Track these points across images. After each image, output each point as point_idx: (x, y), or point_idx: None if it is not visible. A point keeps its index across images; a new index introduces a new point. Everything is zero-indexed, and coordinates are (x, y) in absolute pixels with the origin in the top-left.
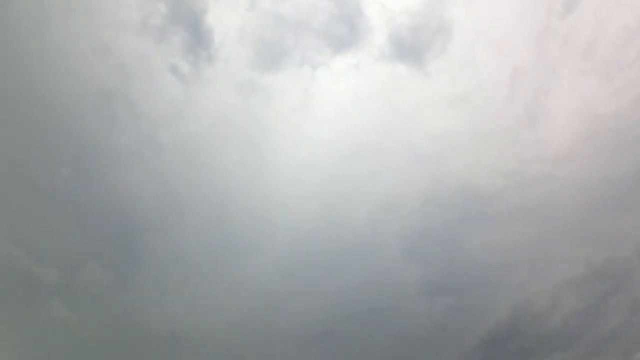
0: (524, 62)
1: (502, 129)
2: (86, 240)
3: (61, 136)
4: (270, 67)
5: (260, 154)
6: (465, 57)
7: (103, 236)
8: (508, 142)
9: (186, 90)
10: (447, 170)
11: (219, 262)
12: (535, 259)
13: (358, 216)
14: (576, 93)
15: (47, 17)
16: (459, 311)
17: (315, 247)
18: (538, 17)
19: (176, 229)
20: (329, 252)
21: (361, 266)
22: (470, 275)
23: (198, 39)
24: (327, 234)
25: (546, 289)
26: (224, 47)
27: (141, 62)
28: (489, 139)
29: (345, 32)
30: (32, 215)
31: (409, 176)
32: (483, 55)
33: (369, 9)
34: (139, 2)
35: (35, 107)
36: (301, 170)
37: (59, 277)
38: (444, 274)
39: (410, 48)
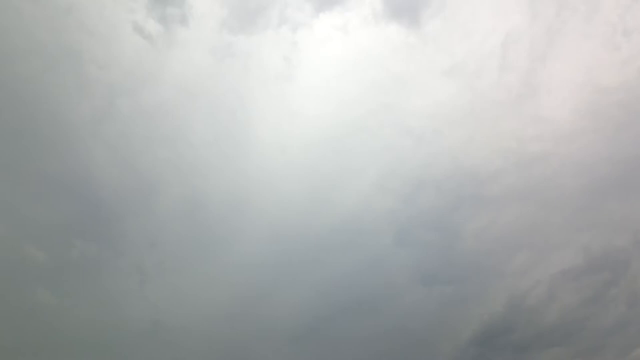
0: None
1: (498, 102)
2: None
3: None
4: (246, 28)
5: (240, 128)
6: (463, 19)
7: (68, 217)
8: (505, 117)
9: (154, 52)
10: (441, 149)
11: (198, 249)
12: (532, 245)
13: (347, 199)
14: (578, 62)
15: None
16: (454, 301)
17: (302, 232)
18: None
19: (148, 212)
20: (318, 237)
21: (352, 253)
22: (466, 263)
23: None
24: (315, 218)
25: (542, 280)
26: (195, 3)
27: (102, 20)
28: (485, 114)
29: None
30: None
31: (401, 155)
32: (477, 19)
33: None
34: None
35: None
36: (284, 148)
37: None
38: (439, 262)
39: (406, 5)
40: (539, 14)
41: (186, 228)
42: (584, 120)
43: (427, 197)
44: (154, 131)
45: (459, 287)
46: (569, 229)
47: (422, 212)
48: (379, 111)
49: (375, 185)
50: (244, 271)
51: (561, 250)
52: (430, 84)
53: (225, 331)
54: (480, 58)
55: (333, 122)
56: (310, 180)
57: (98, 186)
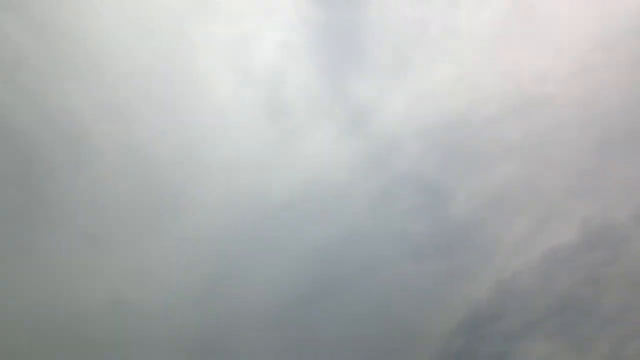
0: None
1: (491, 33)
2: None
3: None
4: None
5: (187, 63)
6: None
7: None
8: (499, 46)
9: None
10: (425, 89)
11: (149, 218)
12: (530, 213)
13: (310, 151)
14: None
15: None
16: (443, 279)
17: (272, 198)
18: None
19: (89, 177)
20: (290, 204)
21: (325, 223)
22: (455, 234)
23: None
24: (283, 181)
25: (535, 258)
26: None
27: None
28: (475, 41)
29: None
30: None
31: (382, 95)
32: None
33: None
34: None
35: None
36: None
37: None
38: (425, 233)
39: None
40: None
41: (132, 191)
42: (595, 56)
43: (412, 152)
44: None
45: (448, 262)
46: (570, 195)
47: (407, 171)
48: (355, 33)
49: (343, 136)
50: (205, 245)
51: (559, 220)
52: None
53: (196, 312)
54: None
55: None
56: (273, 130)
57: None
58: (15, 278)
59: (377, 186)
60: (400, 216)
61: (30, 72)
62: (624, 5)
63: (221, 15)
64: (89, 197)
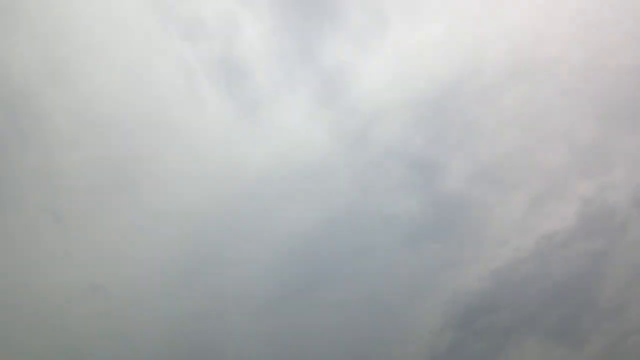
0: None
1: None
2: None
3: None
4: None
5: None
6: None
7: None
8: (493, 1)
9: None
10: (409, 52)
11: (111, 193)
12: (525, 191)
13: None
14: None
15: None
16: (435, 264)
17: (242, 177)
18: None
19: (38, 148)
20: (263, 184)
21: (307, 203)
22: (447, 215)
23: None
24: (253, 157)
25: (530, 245)
26: None
27: None
28: None
29: None
30: None
31: (358, 59)
32: None
33: None
34: None
35: None
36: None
37: None
38: (416, 214)
39: None
40: None
41: (90, 163)
42: (600, 12)
43: (391, 126)
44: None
45: (441, 247)
46: (571, 173)
47: (386, 147)
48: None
49: (316, 108)
50: (181, 224)
51: (557, 201)
52: None
53: (179, 297)
54: None
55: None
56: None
57: None
58: None
59: (358, 165)
60: (385, 197)
61: None
62: None
63: None
64: (41, 169)
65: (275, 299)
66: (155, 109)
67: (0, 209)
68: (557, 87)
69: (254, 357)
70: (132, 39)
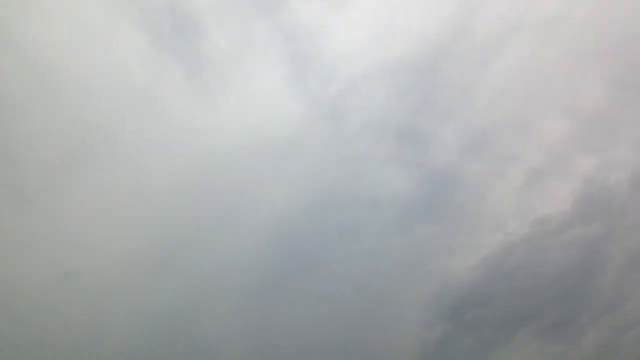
0: None
1: None
2: None
3: None
4: None
5: None
6: None
7: None
8: None
9: None
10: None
11: (84, 173)
12: (523, 167)
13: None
14: None
15: None
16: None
17: (215, 147)
18: None
19: None
20: (236, 162)
21: (289, 182)
22: (436, 192)
23: None
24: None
25: (524, 231)
26: None
27: None
28: None
29: None
30: None
31: (328, 17)
32: None
33: None
34: None
35: None
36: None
37: None
38: (406, 193)
39: None
40: None
41: (43, 133)
42: None
43: (370, 95)
44: None
45: (433, 227)
46: (575, 147)
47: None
48: None
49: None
50: (150, 206)
51: (555, 180)
52: None
53: (157, 285)
54: None
55: None
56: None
57: None
58: None
59: (337, 140)
60: (369, 175)
61: None
62: None
63: None
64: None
65: (254, 291)
66: (114, 73)
67: None
68: (559, 48)
69: (235, 349)
70: None
